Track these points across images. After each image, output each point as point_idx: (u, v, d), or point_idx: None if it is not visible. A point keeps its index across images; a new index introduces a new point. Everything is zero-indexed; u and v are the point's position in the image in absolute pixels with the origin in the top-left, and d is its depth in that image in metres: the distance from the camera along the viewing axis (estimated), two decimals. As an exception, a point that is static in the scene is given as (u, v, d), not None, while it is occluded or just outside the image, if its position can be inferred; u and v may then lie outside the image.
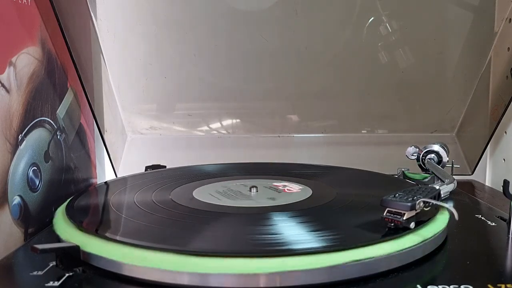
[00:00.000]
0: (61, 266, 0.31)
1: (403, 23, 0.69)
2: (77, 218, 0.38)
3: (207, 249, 0.32)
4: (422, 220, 0.36)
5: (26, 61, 0.45)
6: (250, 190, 0.49)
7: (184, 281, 0.29)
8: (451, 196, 0.51)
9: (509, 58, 0.63)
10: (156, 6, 0.68)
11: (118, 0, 0.67)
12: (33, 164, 0.45)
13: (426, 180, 0.58)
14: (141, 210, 0.42)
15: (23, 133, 0.43)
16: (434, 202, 0.35)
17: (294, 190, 0.49)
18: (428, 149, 0.61)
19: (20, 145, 0.43)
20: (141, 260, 0.30)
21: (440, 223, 0.37)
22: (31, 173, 0.45)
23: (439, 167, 0.58)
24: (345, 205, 0.43)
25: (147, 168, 0.63)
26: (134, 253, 0.30)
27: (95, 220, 0.42)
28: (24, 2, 0.44)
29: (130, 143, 0.75)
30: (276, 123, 0.76)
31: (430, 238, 0.34)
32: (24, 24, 0.44)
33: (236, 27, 0.70)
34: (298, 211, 0.41)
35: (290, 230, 0.36)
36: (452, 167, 0.60)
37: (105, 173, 0.69)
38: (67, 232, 0.36)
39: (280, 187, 0.51)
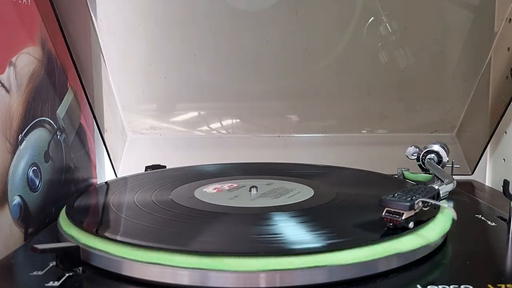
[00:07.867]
0: (61, 266, 0.31)
1: (403, 23, 0.69)
2: (77, 218, 0.38)
3: (207, 249, 0.32)
4: (421, 220, 0.36)
5: (26, 61, 0.45)
6: (250, 190, 0.49)
7: (184, 281, 0.29)
8: (451, 196, 0.51)
9: (509, 58, 0.63)
10: (156, 6, 0.68)
11: (118, 0, 0.67)
12: (33, 164, 0.45)
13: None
14: (141, 210, 0.42)
15: (23, 133, 0.43)
16: (433, 202, 0.35)
17: (294, 190, 0.49)
18: (428, 149, 0.61)
19: (20, 145, 0.43)
20: (141, 260, 0.30)
21: (441, 224, 0.37)
22: (31, 173, 0.45)
23: (439, 167, 0.58)
24: (345, 205, 0.43)
25: (147, 168, 0.63)
26: (134, 253, 0.30)
27: (95, 220, 0.42)
28: (24, 2, 0.44)
29: (130, 143, 0.75)
30: (276, 123, 0.76)
31: (433, 241, 0.34)
32: (24, 24, 0.44)
33: (236, 27, 0.70)
34: (298, 211, 0.41)
35: (290, 230, 0.36)
36: (452, 167, 0.60)
37: (105, 173, 0.69)
38: (67, 232, 0.36)
39: (280, 187, 0.51)
